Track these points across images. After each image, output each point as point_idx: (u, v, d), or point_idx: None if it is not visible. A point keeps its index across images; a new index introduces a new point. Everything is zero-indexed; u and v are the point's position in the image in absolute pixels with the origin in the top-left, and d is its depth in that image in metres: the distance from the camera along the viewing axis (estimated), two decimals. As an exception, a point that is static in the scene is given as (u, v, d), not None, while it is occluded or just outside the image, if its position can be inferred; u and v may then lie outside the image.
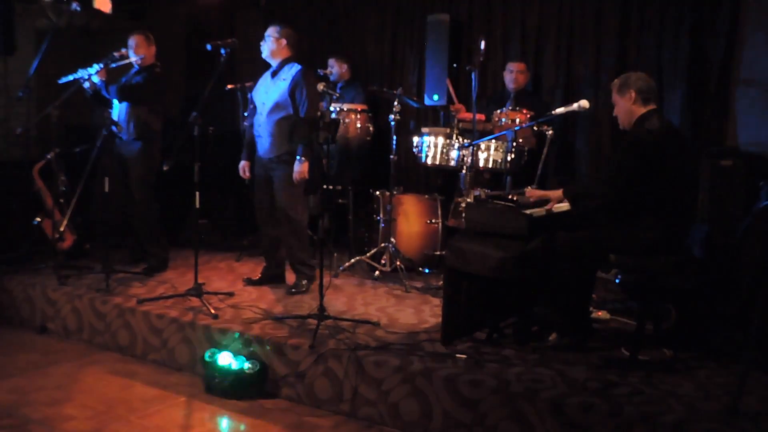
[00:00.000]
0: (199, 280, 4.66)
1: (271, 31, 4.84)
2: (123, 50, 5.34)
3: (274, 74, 4.85)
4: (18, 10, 6.10)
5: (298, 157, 4.67)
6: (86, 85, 5.21)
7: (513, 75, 5.77)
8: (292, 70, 4.80)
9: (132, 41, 5.36)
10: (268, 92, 4.84)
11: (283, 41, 4.83)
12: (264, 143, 4.84)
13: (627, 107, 3.79)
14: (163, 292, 4.81)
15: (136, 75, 5.41)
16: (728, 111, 5.30)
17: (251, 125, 4.99)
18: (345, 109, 5.90)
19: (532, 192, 4.01)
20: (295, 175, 4.69)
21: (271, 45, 4.83)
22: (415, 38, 6.71)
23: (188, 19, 7.79)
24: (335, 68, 6.42)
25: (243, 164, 5.06)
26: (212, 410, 3.76)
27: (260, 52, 4.89)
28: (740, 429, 2.92)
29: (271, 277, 5.12)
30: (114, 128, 5.08)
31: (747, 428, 2.93)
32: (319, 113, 4.45)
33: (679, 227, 3.71)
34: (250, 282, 5.10)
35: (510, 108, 5.51)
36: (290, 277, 5.12)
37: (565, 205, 3.92)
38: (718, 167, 4.44)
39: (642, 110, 3.76)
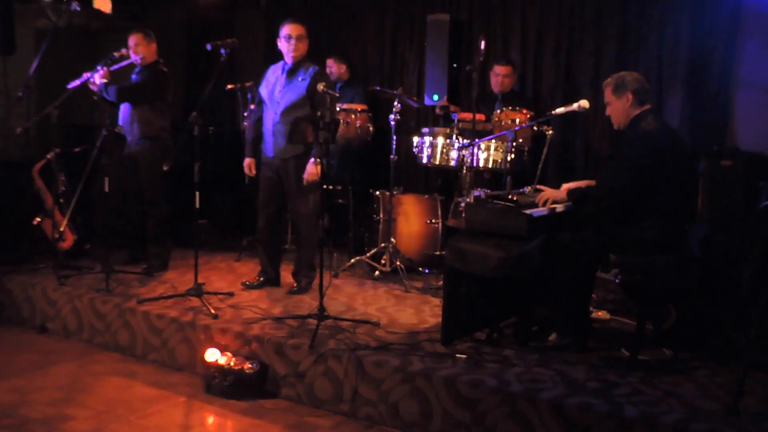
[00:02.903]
0: (199, 280, 4.66)
1: (302, 31, 4.71)
2: (123, 50, 5.33)
3: (291, 72, 4.75)
4: (18, 10, 6.09)
5: (312, 159, 4.64)
6: (93, 87, 5.21)
7: (499, 78, 5.78)
8: (310, 69, 4.74)
9: (131, 40, 5.34)
10: (285, 91, 4.74)
11: (307, 40, 4.77)
12: (279, 143, 4.76)
13: (624, 109, 3.79)
14: (163, 292, 4.81)
15: (137, 74, 5.42)
16: (729, 111, 5.30)
17: (258, 120, 4.90)
18: (345, 109, 5.89)
19: (543, 194, 3.94)
20: (306, 176, 4.66)
21: (305, 46, 4.74)
22: (415, 38, 6.71)
23: (188, 19, 7.79)
24: (333, 69, 6.42)
25: (248, 161, 4.98)
26: (212, 410, 3.76)
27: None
28: (740, 429, 2.92)
29: (268, 281, 5.08)
30: (115, 129, 5.09)
31: (747, 428, 2.93)
32: (319, 113, 4.44)
33: (679, 227, 3.71)
34: (248, 286, 5.03)
35: (509, 109, 5.50)
36: (286, 279, 5.12)
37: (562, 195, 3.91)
38: (718, 167, 4.44)
39: (637, 111, 3.77)
